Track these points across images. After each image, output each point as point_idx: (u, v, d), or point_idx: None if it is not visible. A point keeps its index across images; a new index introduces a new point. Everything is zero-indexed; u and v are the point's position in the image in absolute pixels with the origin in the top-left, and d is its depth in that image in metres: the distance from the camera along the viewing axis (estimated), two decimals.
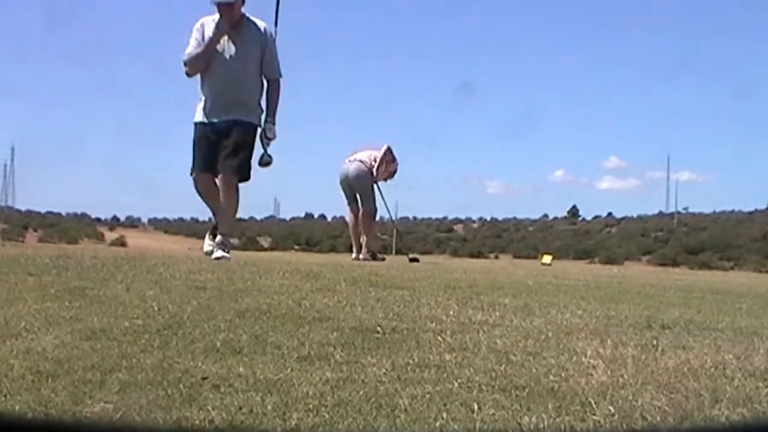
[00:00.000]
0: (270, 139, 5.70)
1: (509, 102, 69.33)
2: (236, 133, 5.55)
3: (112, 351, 2.09)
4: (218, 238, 5.69)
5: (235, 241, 6.36)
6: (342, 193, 9.31)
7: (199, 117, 5.68)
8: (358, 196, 9.19)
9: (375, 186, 9.24)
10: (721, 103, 66.67)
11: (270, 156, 5.76)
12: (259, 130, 5.69)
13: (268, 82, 5.74)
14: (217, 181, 5.63)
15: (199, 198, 5.79)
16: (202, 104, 5.68)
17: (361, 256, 8.90)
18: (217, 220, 5.85)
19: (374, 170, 9.11)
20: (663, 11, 69.68)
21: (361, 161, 9.20)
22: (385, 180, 9.35)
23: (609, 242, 38.78)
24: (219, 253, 5.51)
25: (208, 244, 5.91)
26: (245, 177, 5.69)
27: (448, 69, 69.92)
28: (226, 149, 5.52)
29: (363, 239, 9.09)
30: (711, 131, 68.01)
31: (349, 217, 9.44)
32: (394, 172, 9.41)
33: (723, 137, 68.45)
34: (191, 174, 5.74)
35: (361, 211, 9.19)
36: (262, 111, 5.70)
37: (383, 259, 9.03)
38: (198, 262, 5.04)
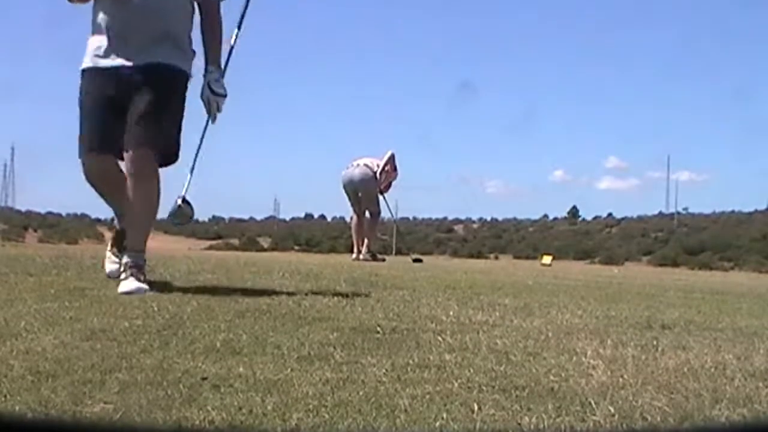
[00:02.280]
0: (219, 96, 3.68)
1: (509, 102, 69.34)
2: (157, 85, 3.52)
3: (112, 351, 2.08)
4: (125, 258, 3.52)
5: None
6: (345, 196, 9.39)
7: (93, 60, 3.57)
8: (361, 198, 9.26)
9: (379, 189, 9.34)
10: (721, 103, 66.70)
11: (191, 208, 3.89)
12: (197, 82, 3.70)
13: (201, 7, 3.71)
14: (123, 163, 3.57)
15: (94, 191, 3.69)
16: (97, 41, 3.58)
17: (361, 257, 8.95)
18: (122, 225, 3.80)
19: (378, 173, 9.19)
20: (663, 11, 69.75)
21: (366, 165, 9.29)
22: (383, 191, 9.45)
23: (609, 242, 38.74)
24: (130, 283, 3.37)
25: (111, 261, 3.83)
26: (171, 155, 3.64)
27: (448, 69, 69.92)
28: (138, 110, 3.48)
29: (364, 242, 9.15)
30: (711, 131, 68.04)
31: (352, 217, 9.51)
32: (390, 184, 9.50)
33: (723, 137, 68.47)
34: (80, 156, 3.62)
35: (365, 214, 9.28)
36: (194, 54, 3.71)
37: (383, 260, 9.07)
38: (198, 262, 5.04)
